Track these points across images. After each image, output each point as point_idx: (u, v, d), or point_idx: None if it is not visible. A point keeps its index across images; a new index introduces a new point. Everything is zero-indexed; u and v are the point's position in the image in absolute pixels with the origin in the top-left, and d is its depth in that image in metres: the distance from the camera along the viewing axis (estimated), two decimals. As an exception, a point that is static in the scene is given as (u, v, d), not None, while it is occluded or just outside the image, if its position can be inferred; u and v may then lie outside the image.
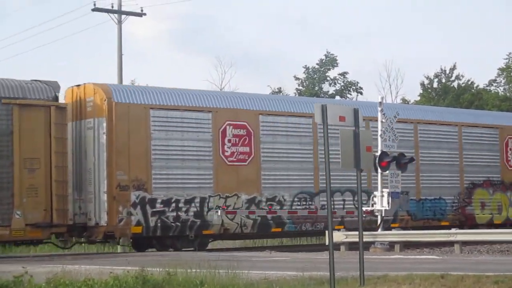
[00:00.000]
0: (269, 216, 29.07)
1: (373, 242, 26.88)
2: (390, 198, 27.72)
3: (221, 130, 28.56)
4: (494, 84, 64.50)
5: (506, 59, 63.72)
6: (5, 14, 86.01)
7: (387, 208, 27.82)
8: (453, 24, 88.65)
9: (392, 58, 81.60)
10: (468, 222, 34.03)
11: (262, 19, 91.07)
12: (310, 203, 30.25)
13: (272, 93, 57.28)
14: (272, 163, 29.67)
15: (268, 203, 29.26)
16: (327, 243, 19.46)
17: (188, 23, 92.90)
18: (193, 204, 27.80)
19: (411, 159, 28.74)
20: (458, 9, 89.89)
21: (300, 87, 60.71)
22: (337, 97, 58.44)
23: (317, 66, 60.77)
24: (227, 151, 28.67)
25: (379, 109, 28.40)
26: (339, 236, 26.71)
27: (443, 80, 62.13)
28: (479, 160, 35.35)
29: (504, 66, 64.02)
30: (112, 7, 43.88)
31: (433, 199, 33.54)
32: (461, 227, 32.13)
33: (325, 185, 28.86)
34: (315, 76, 60.53)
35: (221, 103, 29.07)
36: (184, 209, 27.59)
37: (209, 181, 28.24)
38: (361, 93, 61.01)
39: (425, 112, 35.16)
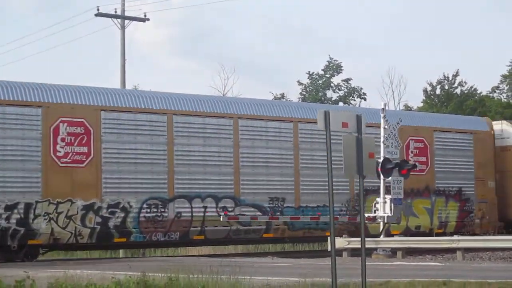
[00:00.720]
0: (110, 224, 26.34)
1: (375, 249, 26.88)
2: (392, 204, 27.69)
3: (53, 127, 25.72)
4: (497, 91, 64.49)
5: (509, 66, 63.75)
6: (9, 19, 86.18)
7: (390, 215, 27.80)
8: (456, 30, 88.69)
9: (395, 65, 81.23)
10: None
11: (265, 26, 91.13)
12: (162, 210, 27.32)
13: (275, 99, 57.17)
14: (115, 165, 26.75)
15: (110, 210, 26.39)
16: (329, 249, 19.46)
17: (191, 29, 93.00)
18: (16, 211, 24.93)
19: (414, 166, 28.68)
20: (461, 15, 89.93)
21: (304, 93, 60.68)
22: (341, 103, 58.38)
23: (321, 72, 60.77)
24: (59, 151, 25.78)
25: (382, 115, 28.33)
26: (341, 242, 26.72)
27: (446, 87, 62.11)
28: None
29: (507, 73, 63.99)
30: (116, 12, 43.94)
31: (315, 206, 30.14)
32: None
33: (181, 190, 27.67)
34: (319, 82, 60.51)
35: (54, 97, 26.09)
36: (4, 216, 24.74)
37: (36, 185, 25.38)
38: (365, 99, 61.02)
39: (306, 110, 31.52)
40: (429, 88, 62.26)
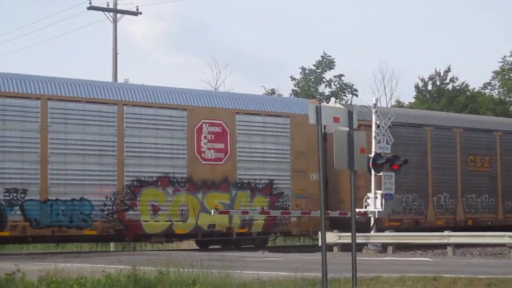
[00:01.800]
0: None
1: (366, 244, 26.93)
2: (383, 200, 27.75)
3: None
4: (489, 87, 64.62)
5: (501, 62, 63.86)
6: (0, 12, 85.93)
7: (380, 210, 27.85)
8: (448, 26, 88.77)
9: (387, 60, 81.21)
10: (131, 232, 27.08)
11: (259, 21, 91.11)
12: None
13: (266, 95, 57.19)
14: None
15: None
16: (320, 244, 19.48)
17: (184, 24, 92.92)
18: None
19: (406, 161, 28.68)
20: (453, 12, 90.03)
21: (296, 88, 60.70)
22: (333, 99, 58.39)
23: (313, 68, 60.77)
24: None
25: (373, 111, 28.35)
26: (332, 237, 26.75)
27: (438, 83, 62.19)
28: (147, 149, 27.53)
29: (499, 69, 64.10)
30: (108, 5, 43.84)
31: (70, 200, 25.79)
32: (120, 238, 28.19)
33: None
34: (311, 77, 60.53)
35: None
36: None
37: None
38: (357, 95, 61.08)
39: (55, 85, 26.54)
40: (420, 84, 62.35)
